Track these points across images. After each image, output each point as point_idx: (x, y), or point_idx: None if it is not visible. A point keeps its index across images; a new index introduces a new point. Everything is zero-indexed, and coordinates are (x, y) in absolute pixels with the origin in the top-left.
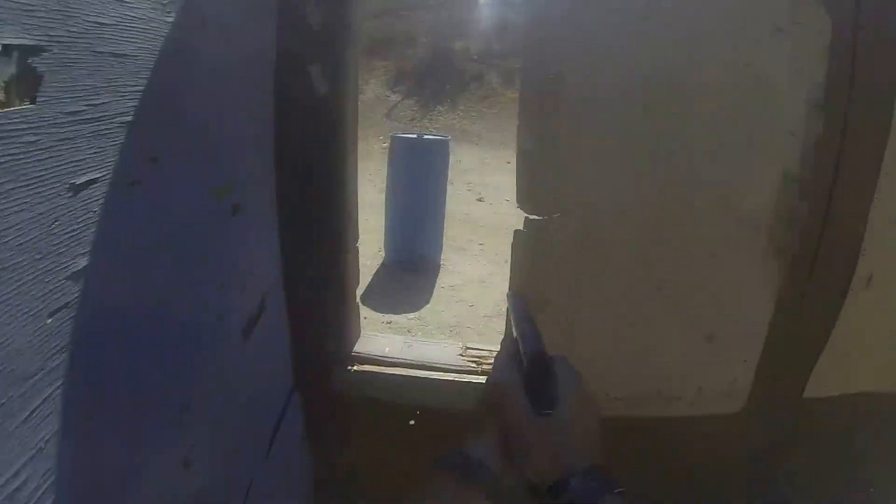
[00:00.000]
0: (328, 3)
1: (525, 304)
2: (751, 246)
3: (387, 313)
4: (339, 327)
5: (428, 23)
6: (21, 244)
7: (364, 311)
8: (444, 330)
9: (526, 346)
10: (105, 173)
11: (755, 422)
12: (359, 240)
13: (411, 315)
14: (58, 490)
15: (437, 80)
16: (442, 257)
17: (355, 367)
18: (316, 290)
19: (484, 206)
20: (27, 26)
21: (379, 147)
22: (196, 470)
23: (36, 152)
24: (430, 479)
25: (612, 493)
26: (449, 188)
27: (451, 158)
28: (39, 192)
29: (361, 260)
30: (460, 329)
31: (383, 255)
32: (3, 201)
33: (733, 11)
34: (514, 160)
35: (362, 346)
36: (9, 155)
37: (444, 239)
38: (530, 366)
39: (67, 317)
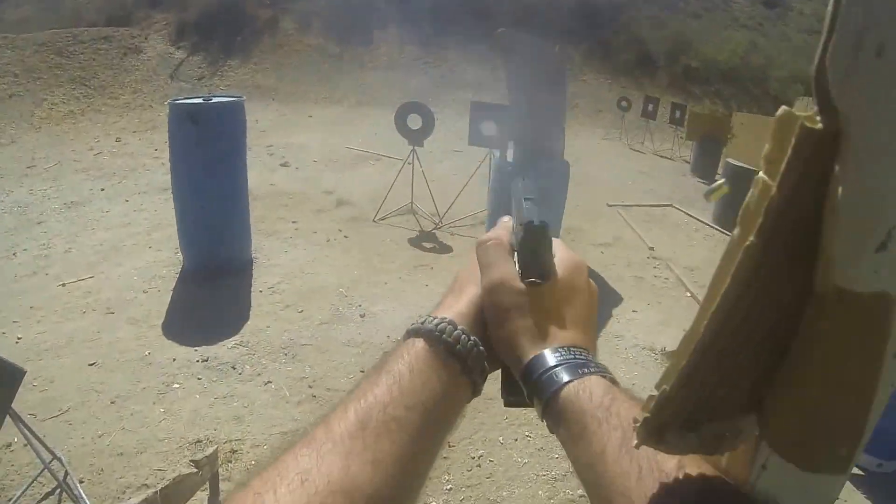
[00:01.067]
0: None
1: (532, 184)
2: None
3: (199, 345)
4: None
5: None
6: None
7: (169, 348)
8: (275, 355)
9: (525, 215)
10: None
11: None
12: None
13: (231, 341)
14: None
15: (226, 31)
16: (252, 249)
17: None
18: None
19: (290, 173)
20: None
21: (165, 115)
22: None
23: None
24: (396, 350)
25: (600, 375)
26: (247, 155)
27: (248, 119)
28: None
29: (155, 270)
30: (296, 350)
31: (182, 259)
32: None
33: None
34: (316, 113)
35: None
36: None
37: (250, 224)
38: (526, 234)
39: None
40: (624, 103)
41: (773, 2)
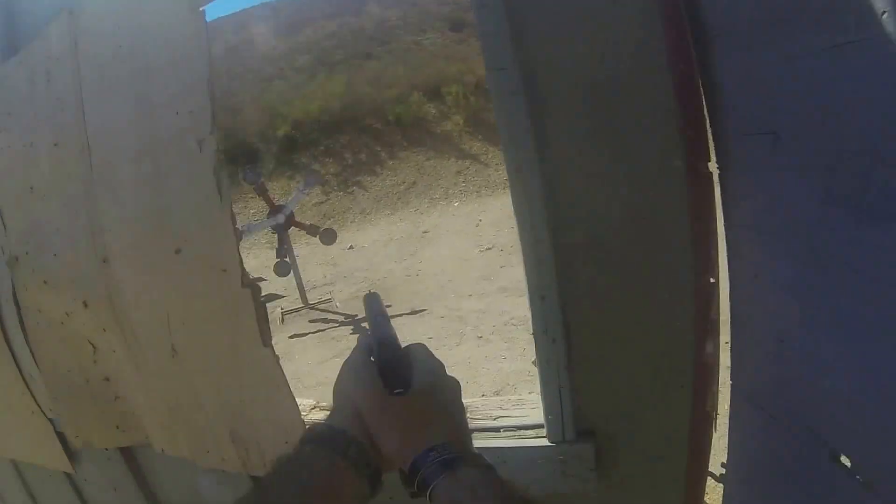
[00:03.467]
0: None
1: (380, 301)
2: None
3: None
4: None
5: None
6: None
7: None
8: None
9: (378, 333)
10: None
11: None
12: None
13: None
14: None
15: None
16: None
17: None
18: None
19: None
20: None
21: None
22: None
23: None
24: (293, 456)
25: (471, 466)
26: None
27: None
28: None
29: None
30: None
31: None
32: None
33: None
34: None
35: None
36: None
37: None
38: (381, 349)
39: None
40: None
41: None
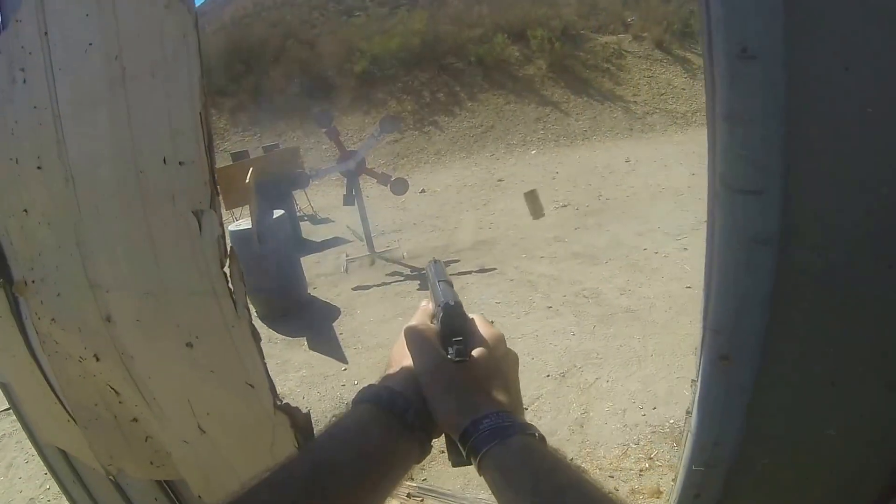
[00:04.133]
0: None
1: (443, 267)
2: None
3: None
4: None
5: None
6: None
7: None
8: None
9: (442, 298)
10: None
11: None
12: None
13: None
14: None
15: None
16: None
17: None
18: None
19: None
20: None
21: None
22: None
23: None
24: (348, 414)
25: (523, 434)
26: None
27: None
28: None
29: None
30: None
31: None
32: None
33: None
34: None
35: None
36: None
37: None
38: (445, 316)
39: None
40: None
41: None
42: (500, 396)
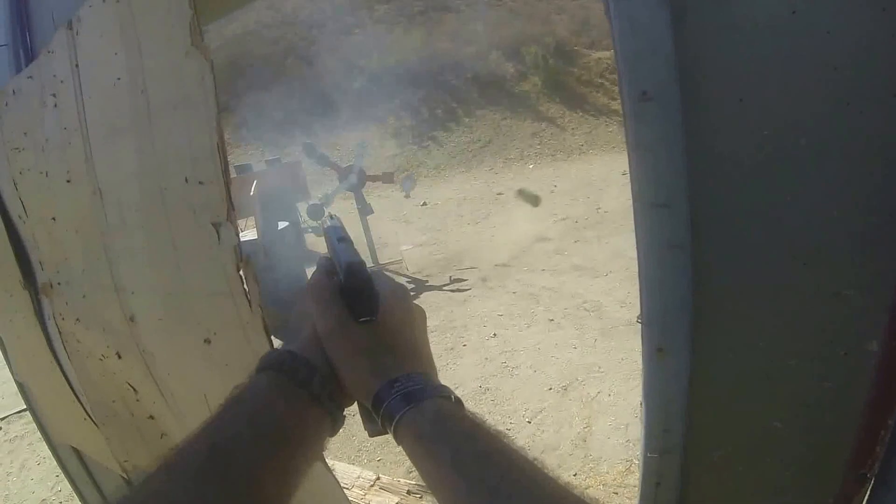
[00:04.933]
0: None
1: (340, 223)
2: None
3: None
4: None
5: None
6: None
7: None
8: None
9: (342, 257)
10: None
11: None
12: None
13: None
14: None
15: None
16: None
17: None
18: None
19: None
20: None
21: None
22: None
23: None
24: (248, 386)
25: (438, 397)
26: None
27: None
28: None
29: None
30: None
31: None
32: None
33: None
34: None
35: None
36: None
37: None
38: (348, 274)
39: None
40: None
41: None
42: (411, 357)
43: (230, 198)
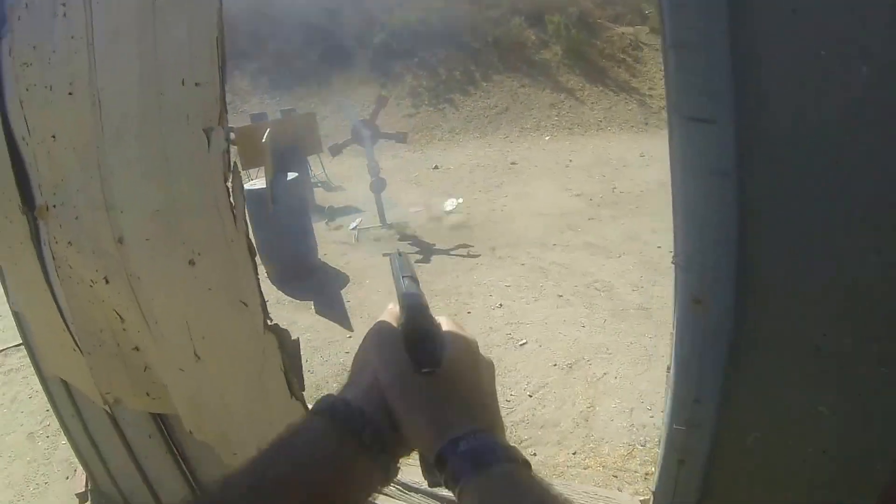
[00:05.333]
0: None
1: (408, 261)
2: None
3: None
4: None
5: None
6: None
7: None
8: None
9: (406, 300)
10: None
11: None
12: None
13: None
14: None
15: None
16: None
17: None
18: None
19: None
20: None
21: None
22: None
23: None
24: (300, 428)
25: (507, 461)
26: None
27: None
28: None
29: None
30: None
31: None
32: None
33: None
34: None
35: None
36: None
37: None
38: (409, 318)
39: None
40: None
41: None
42: (477, 412)
43: (224, 100)
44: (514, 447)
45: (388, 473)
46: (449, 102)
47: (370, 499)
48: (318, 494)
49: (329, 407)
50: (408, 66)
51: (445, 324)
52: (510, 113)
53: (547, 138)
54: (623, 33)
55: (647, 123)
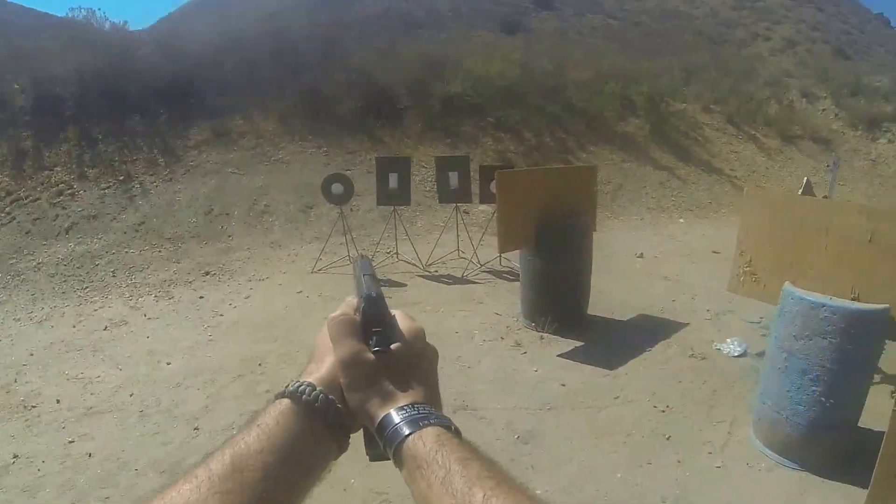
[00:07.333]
0: None
1: (369, 262)
2: None
3: None
4: None
5: None
6: None
7: None
8: None
9: (364, 290)
10: None
11: None
12: None
13: None
14: None
15: None
16: None
17: None
18: None
19: None
20: None
21: None
22: None
23: None
24: (273, 405)
25: (438, 425)
26: None
27: None
28: None
29: None
30: None
31: None
32: None
33: None
34: None
35: None
36: None
37: None
38: (366, 305)
39: None
40: (337, 186)
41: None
42: (419, 389)
43: None
44: (448, 418)
45: (341, 448)
46: None
47: (326, 472)
48: (289, 467)
49: (295, 391)
50: (480, 126)
51: (399, 315)
52: (626, 190)
53: (682, 221)
54: (682, 109)
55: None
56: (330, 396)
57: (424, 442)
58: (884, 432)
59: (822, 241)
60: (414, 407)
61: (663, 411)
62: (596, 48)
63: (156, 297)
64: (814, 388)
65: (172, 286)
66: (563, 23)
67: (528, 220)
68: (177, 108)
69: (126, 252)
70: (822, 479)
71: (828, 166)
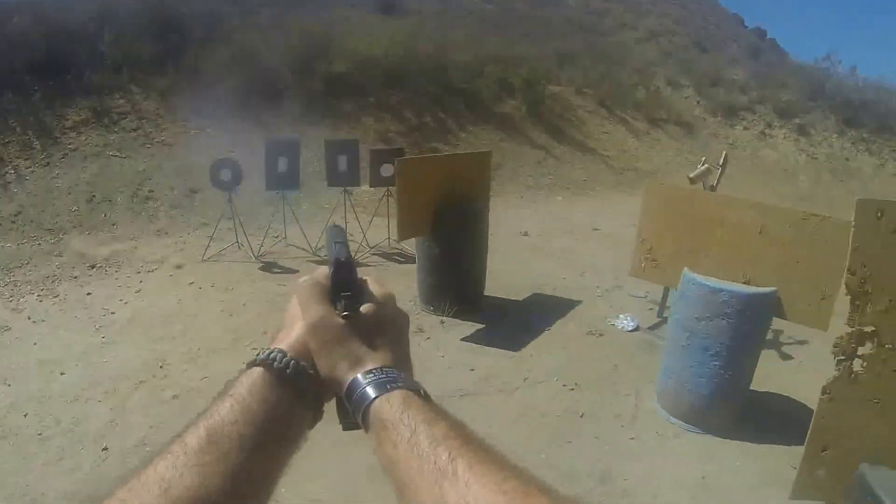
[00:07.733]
0: None
1: (342, 230)
2: None
3: None
4: None
5: None
6: None
7: None
8: None
9: (334, 256)
10: None
11: None
12: None
13: None
14: None
15: None
16: None
17: None
18: None
19: None
20: None
21: None
22: None
23: None
24: (245, 374)
25: (406, 388)
26: None
27: None
28: None
29: None
30: None
31: None
32: None
33: None
34: None
35: None
36: None
37: None
38: (336, 268)
39: None
40: (226, 172)
41: None
42: (387, 353)
43: None
44: (416, 381)
45: (316, 417)
46: (433, 153)
47: (302, 441)
48: (264, 436)
49: (266, 359)
50: (361, 107)
51: (369, 280)
52: (505, 169)
53: (560, 199)
54: (557, 92)
55: (618, 184)
56: (301, 363)
57: (391, 404)
58: (769, 392)
59: (717, 232)
60: (382, 371)
61: (572, 389)
62: (474, 31)
63: (39, 296)
64: (714, 362)
65: (56, 283)
66: (441, 4)
67: (427, 207)
68: (53, 84)
69: (1, 246)
70: (722, 439)
71: (720, 162)
